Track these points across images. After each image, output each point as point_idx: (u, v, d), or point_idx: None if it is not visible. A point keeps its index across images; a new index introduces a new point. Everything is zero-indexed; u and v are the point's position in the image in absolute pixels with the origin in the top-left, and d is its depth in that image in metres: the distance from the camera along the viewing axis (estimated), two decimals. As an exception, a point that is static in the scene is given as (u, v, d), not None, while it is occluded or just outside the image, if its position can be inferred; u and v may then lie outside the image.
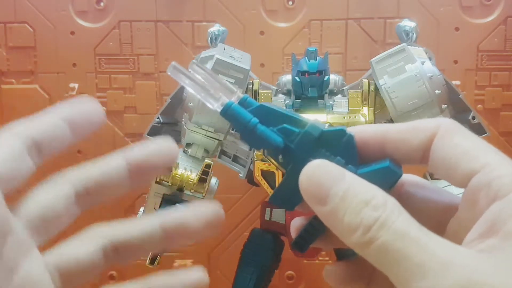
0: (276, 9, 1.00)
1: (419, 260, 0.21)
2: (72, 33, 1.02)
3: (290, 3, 1.00)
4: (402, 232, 0.22)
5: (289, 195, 0.28)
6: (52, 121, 0.28)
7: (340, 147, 0.27)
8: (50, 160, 1.03)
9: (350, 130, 0.28)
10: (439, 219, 0.27)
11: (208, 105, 0.30)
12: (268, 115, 0.28)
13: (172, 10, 1.00)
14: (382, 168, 0.27)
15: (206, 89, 0.30)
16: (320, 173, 0.25)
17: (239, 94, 0.30)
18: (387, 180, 0.26)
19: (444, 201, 0.28)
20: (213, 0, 0.99)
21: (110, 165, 0.29)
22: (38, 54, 1.02)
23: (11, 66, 1.03)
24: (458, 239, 0.24)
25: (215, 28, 0.77)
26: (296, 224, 0.29)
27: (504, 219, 0.22)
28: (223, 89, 0.30)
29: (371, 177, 0.26)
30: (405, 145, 0.27)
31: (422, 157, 0.27)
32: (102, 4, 1.01)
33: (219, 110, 0.29)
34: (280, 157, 0.28)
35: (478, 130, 0.73)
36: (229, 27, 0.82)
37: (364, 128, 0.28)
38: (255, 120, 0.28)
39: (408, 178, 0.29)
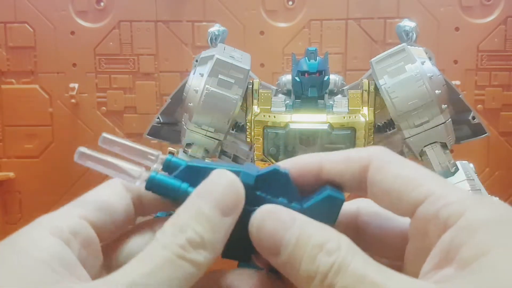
0: (276, 9, 1.00)
1: None
2: (72, 33, 1.02)
3: (290, 3, 1.00)
4: (359, 275, 0.22)
5: (240, 248, 0.26)
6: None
7: (279, 186, 0.26)
8: (50, 159, 1.03)
9: (284, 166, 0.27)
10: (396, 246, 0.27)
11: (128, 184, 0.27)
12: (198, 174, 0.26)
13: (172, 10, 1.00)
14: (324, 198, 0.26)
15: (121, 168, 0.27)
16: (269, 222, 0.24)
17: (161, 157, 0.28)
18: (333, 207, 0.26)
19: (399, 228, 0.27)
20: (213, 0, 0.99)
21: None
22: (38, 54, 1.03)
23: (11, 66, 1.03)
24: (416, 268, 0.24)
25: (215, 28, 0.77)
26: None
27: (457, 248, 0.21)
28: (144, 155, 0.28)
29: (317, 209, 0.25)
30: (339, 177, 0.27)
31: (358, 188, 0.26)
32: (102, 4, 1.01)
33: (142, 186, 0.27)
34: None
35: (478, 130, 0.73)
36: (229, 27, 0.82)
37: (298, 161, 0.27)
38: (184, 185, 0.26)
39: (364, 206, 0.28)
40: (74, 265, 0.24)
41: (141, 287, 0.22)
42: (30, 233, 0.24)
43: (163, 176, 0.27)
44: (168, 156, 0.28)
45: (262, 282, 0.26)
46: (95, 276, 0.25)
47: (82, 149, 0.27)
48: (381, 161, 0.26)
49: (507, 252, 0.20)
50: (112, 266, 0.27)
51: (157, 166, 0.28)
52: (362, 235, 0.26)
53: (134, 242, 0.28)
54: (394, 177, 0.25)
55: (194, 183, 0.26)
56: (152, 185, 0.27)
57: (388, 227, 0.27)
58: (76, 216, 0.26)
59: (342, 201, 0.26)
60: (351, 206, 0.28)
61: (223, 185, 0.25)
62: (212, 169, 0.26)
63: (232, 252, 0.27)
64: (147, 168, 0.28)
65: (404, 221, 0.26)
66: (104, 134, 0.28)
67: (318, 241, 0.23)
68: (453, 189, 0.24)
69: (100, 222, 0.26)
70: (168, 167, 0.28)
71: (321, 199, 0.26)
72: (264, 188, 0.26)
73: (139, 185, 0.27)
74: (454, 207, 0.23)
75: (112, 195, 0.28)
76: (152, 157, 0.28)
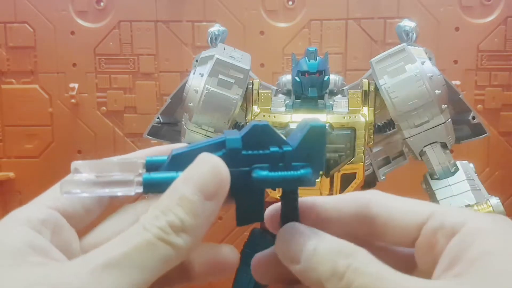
0: (276, 9, 1.00)
1: None
2: (72, 33, 1.02)
3: (290, 3, 1.00)
4: (377, 273, 0.23)
5: (250, 212, 0.28)
6: None
7: (265, 138, 0.27)
8: (50, 159, 1.03)
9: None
10: (406, 238, 0.27)
11: (125, 194, 0.27)
12: (186, 159, 0.26)
13: (172, 10, 1.00)
14: (308, 130, 0.27)
15: (113, 182, 0.27)
16: (290, 235, 0.26)
17: (141, 161, 0.28)
18: (319, 137, 0.27)
19: (408, 223, 0.28)
20: (213, 0, 0.99)
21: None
22: (38, 54, 1.03)
23: (11, 66, 1.03)
24: (427, 277, 0.25)
25: (215, 28, 0.77)
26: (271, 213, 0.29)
27: (465, 249, 0.23)
28: (124, 167, 0.27)
29: (306, 144, 0.27)
30: (336, 214, 0.28)
31: (354, 226, 0.28)
32: (102, 4, 1.01)
33: (140, 191, 0.26)
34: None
35: (478, 130, 0.73)
36: (229, 27, 0.82)
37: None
38: (179, 173, 0.26)
39: (375, 198, 0.29)
40: (48, 250, 0.24)
41: (117, 267, 0.23)
42: (2, 226, 0.25)
43: (155, 173, 0.27)
44: (147, 159, 0.28)
45: None
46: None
47: (64, 186, 0.27)
48: (381, 196, 0.28)
49: (509, 252, 0.23)
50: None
51: (141, 171, 0.27)
52: (373, 224, 0.27)
53: (117, 225, 0.28)
54: (395, 207, 0.27)
55: (185, 166, 0.26)
56: (149, 186, 0.27)
57: (397, 220, 0.28)
58: (44, 206, 0.27)
59: (324, 127, 0.28)
60: (364, 196, 0.28)
61: (206, 169, 0.25)
62: (197, 150, 0.26)
63: (245, 218, 0.28)
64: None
65: (408, 224, 0.27)
66: (74, 163, 0.28)
67: (336, 247, 0.25)
68: (453, 207, 0.26)
69: (70, 210, 0.27)
70: (152, 167, 0.28)
71: (306, 133, 0.27)
72: (253, 146, 0.27)
73: (137, 190, 0.27)
74: (457, 218, 0.25)
75: None
76: (134, 166, 0.27)
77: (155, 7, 1.00)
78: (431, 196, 0.69)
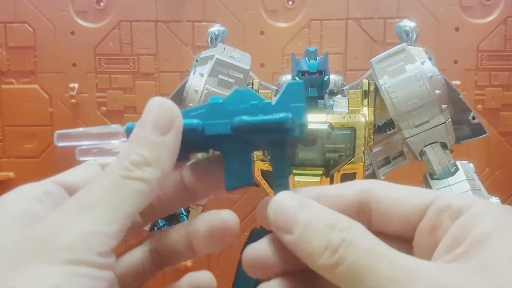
0: (276, 9, 1.00)
1: (388, 272, 0.22)
2: (72, 33, 1.02)
3: (290, 3, 1.00)
4: (369, 249, 0.23)
5: (239, 173, 0.29)
6: None
7: (247, 99, 0.28)
8: (50, 159, 1.03)
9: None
10: (405, 226, 0.27)
11: (114, 145, 0.29)
12: None
13: (172, 10, 1.00)
14: (286, 87, 0.28)
15: (101, 133, 0.29)
16: (284, 205, 0.26)
17: (120, 126, 0.29)
18: (297, 92, 0.28)
19: (408, 211, 0.28)
20: (213, 0, 0.99)
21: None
22: (38, 54, 1.03)
23: (11, 66, 1.03)
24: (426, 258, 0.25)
25: (215, 28, 0.77)
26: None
27: (469, 230, 0.23)
28: (108, 130, 0.29)
29: (285, 100, 0.28)
30: (339, 198, 0.28)
31: (357, 211, 0.27)
32: (102, 4, 1.01)
33: (125, 139, 0.28)
34: (211, 153, 0.29)
35: (478, 130, 0.73)
36: (229, 27, 0.82)
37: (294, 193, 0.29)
38: None
39: (377, 185, 0.29)
40: (44, 215, 0.26)
41: (90, 209, 0.24)
42: (7, 196, 0.27)
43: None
44: (128, 125, 0.29)
45: None
46: None
47: (59, 131, 0.29)
48: (383, 183, 0.28)
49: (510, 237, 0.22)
50: None
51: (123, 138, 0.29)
52: (374, 211, 0.27)
53: None
54: (400, 191, 0.27)
55: None
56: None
57: (400, 204, 0.28)
58: (49, 181, 0.29)
59: (301, 84, 0.29)
60: (365, 183, 0.28)
61: (155, 108, 0.27)
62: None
63: (234, 180, 0.29)
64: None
65: (412, 207, 0.27)
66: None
67: (330, 221, 0.25)
68: (457, 194, 0.26)
69: (72, 184, 0.29)
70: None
71: (284, 90, 0.28)
72: (235, 104, 0.28)
73: (123, 139, 0.28)
74: (464, 201, 0.25)
75: (87, 173, 0.30)
76: (115, 133, 0.29)
77: (155, 7, 1.00)
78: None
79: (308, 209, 0.25)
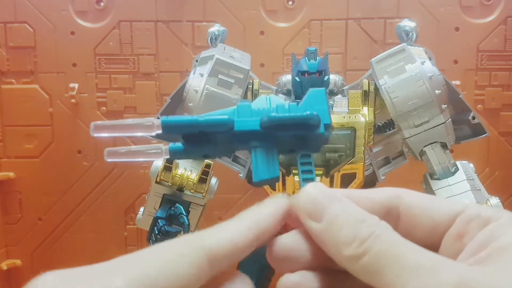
0: (276, 9, 1.00)
1: (414, 262, 0.23)
2: (72, 33, 1.02)
3: (290, 3, 1.00)
4: (396, 241, 0.24)
5: (265, 167, 0.30)
6: None
7: (271, 100, 0.30)
8: (50, 159, 1.02)
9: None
10: (432, 234, 0.28)
11: (146, 134, 0.29)
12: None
13: (172, 10, 1.00)
14: (309, 94, 0.30)
15: (136, 124, 0.29)
16: (317, 194, 0.27)
17: (155, 119, 0.29)
18: (319, 98, 0.30)
19: (437, 219, 0.28)
20: (213, 0, 0.99)
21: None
22: (38, 54, 1.03)
23: (11, 66, 1.03)
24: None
25: (215, 28, 0.77)
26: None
27: (495, 237, 0.24)
28: (142, 122, 0.29)
29: (308, 104, 0.30)
30: (368, 200, 0.28)
31: (386, 213, 0.28)
32: (102, 4, 1.01)
33: (160, 131, 0.29)
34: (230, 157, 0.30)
35: (478, 130, 0.73)
36: (229, 27, 0.82)
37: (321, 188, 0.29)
38: (195, 116, 0.29)
39: (406, 192, 0.29)
40: None
41: None
42: None
43: (174, 116, 0.29)
44: (162, 118, 0.29)
45: None
46: None
47: (95, 122, 0.29)
48: (411, 191, 0.28)
49: None
50: None
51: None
52: (403, 216, 0.27)
53: None
54: (430, 199, 0.28)
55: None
56: (167, 126, 0.28)
57: (431, 211, 0.28)
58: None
59: (323, 90, 0.31)
60: (394, 189, 0.29)
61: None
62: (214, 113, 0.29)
63: (261, 174, 0.30)
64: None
65: (441, 215, 0.27)
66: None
67: (360, 216, 0.25)
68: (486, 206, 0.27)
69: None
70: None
71: (308, 96, 0.30)
72: (262, 106, 0.30)
73: (158, 131, 0.28)
74: (494, 212, 0.26)
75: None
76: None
77: (155, 7, 1.00)
78: (431, 196, 0.69)
79: (339, 202, 0.26)
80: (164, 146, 0.30)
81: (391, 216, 0.28)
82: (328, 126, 0.30)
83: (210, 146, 0.29)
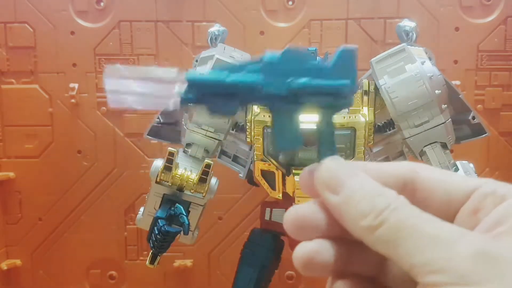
0: (276, 9, 1.00)
1: (432, 232, 0.23)
2: (72, 33, 1.02)
3: (290, 3, 1.00)
4: (414, 212, 0.24)
5: (288, 135, 0.28)
6: None
7: (301, 60, 0.28)
8: (50, 159, 1.03)
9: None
10: (449, 207, 0.28)
11: (167, 88, 0.26)
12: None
13: (172, 10, 1.00)
14: (340, 52, 0.28)
15: (157, 75, 0.26)
16: (336, 167, 0.27)
17: (177, 71, 0.27)
18: (350, 58, 0.28)
19: (453, 193, 0.28)
20: (213, 0, 0.99)
21: None
22: (38, 54, 1.03)
23: (11, 66, 1.03)
24: None
25: (215, 28, 0.77)
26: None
27: (509, 215, 0.24)
28: (163, 74, 0.27)
29: (339, 64, 0.27)
30: (385, 174, 0.28)
31: (402, 187, 0.28)
32: (102, 4, 1.01)
33: (182, 85, 0.26)
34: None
35: (478, 130, 0.73)
36: (229, 27, 0.82)
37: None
38: (223, 72, 0.27)
39: (422, 166, 0.29)
40: None
41: None
42: None
43: (199, 72, 0.27)
44: (188, 72, 0.27)
45: None
46: None
47: (110, 65, 0.27)
48: (428, 166, 0.29)
49: None
50: None
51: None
52: (419, 190, 0.27)
53: None
54: (447, 174, 0.28)
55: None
56: (192, 82, 0.26)
57: (447, 185, 0.28)
58: None
59: (354, 50, 0.28)
60: (410, 163, 0.29)
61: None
62: (237, 66, 0.27)
63: (284, 142, 0.28)
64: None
65: (458, 189, 0.27)
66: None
67: (377, 189, 0.25)
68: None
69: None
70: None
71: (338, 55, 0.28)
72: (289, 63, 0.27)
73: (179, 86, 0.26)
74: (508, 188, 0.26)
75: None
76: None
77: (155, 7, 1.00)
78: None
79: (357, 176, 0.26)
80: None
81: (407, 190, 0.28)
82: (354, 91, 0.29)
83: (229, 104, 0.27)
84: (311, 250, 0.26)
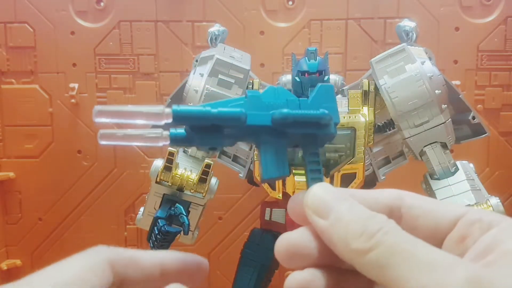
0: (276, 9, 1.00)
1: (427, 257, 0.23)
2: (72, 33, 1.02)
3: (290, 3, 1.00)
4: (407, 237, 0.24)
5: (274, 164, 0.29)
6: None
7: (281, 97, 0.29)
8: (50, 159, 1.02)
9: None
10: (436, 234, 0.28)
11: (155, 123, 0.27)
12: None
13: (172, 10, 1.00)
14: (318, 89, 0.30)
15: (142, 112, 0.27)
16: (324, 193, 0.27)
17: (164, 107, 0.28)
18: (328, 93, 0.30)
19: (438, 220, 0.28)
20: (213, 0, 0.99)
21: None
22: (38, 54, 1.02)
23: (11, 66, 1.03)
24: None
25: (215, 28, 0.77)
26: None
27: (500, 241, 0.24)
28: (151, 110, 0.27)
29: (318, 99, 0.29)
30: (372, 200, 0.28)
31: (389, 214, 0.28)
32: (102, 4, 1.01)
33: (170, 120, 0.27)
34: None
35: (478, 130, 0.73)
36: (229, 27, 0.82)
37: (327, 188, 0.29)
38: (207, 107, 0.27)
39: (407, 194, 0.29)
40: None
41: None
42: None
43: (185, 106, 0.28)
44: (173, 107, 0.27)
45: None
46: None
47: (98, 106, 0.27)
48: (412, 193, 0.29)
49: None
50: None
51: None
52: (405, 217, 0.28)
53: None
54: (432, 202, 0.28)
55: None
56: (178, 116, 0.27)
57: (433, 213, 0.28)
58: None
59: (332, 86, 0.31)
60: (397, 190, 0.29)
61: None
62: (222, 102, 0.28)
63: (270, 171, 0.29)
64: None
65: (443, 217, 0.28)
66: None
67: (369, 213, 0.25)
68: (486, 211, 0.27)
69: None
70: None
71: (317, 91, 0.30)
72: (271, 98, 0.29)
73: (167, 121, 0.27)
74: (495, 216, 0.26)
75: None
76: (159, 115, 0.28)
77: (155, 7, 1.00)
78: (431, 196, 0.69)
79: (345, 200, 0.26)
80: (165, 132, 0.28)
81: (393, 217, 0.27)
82: (336, 124, 0.30)
83: (216, 137, 0.28)
84: (304, 280, 0.26)
